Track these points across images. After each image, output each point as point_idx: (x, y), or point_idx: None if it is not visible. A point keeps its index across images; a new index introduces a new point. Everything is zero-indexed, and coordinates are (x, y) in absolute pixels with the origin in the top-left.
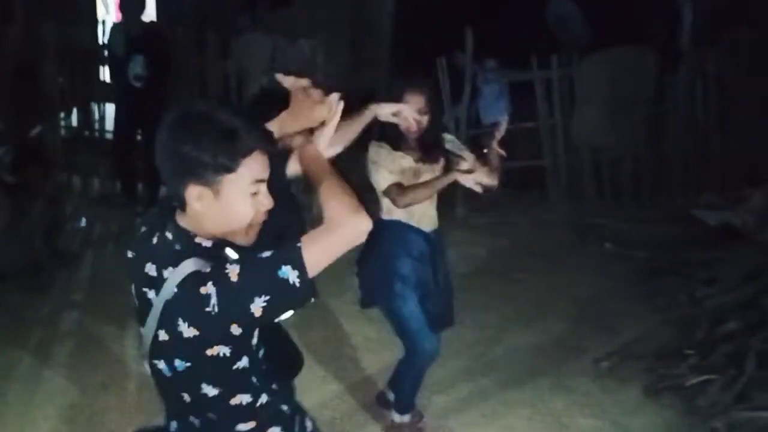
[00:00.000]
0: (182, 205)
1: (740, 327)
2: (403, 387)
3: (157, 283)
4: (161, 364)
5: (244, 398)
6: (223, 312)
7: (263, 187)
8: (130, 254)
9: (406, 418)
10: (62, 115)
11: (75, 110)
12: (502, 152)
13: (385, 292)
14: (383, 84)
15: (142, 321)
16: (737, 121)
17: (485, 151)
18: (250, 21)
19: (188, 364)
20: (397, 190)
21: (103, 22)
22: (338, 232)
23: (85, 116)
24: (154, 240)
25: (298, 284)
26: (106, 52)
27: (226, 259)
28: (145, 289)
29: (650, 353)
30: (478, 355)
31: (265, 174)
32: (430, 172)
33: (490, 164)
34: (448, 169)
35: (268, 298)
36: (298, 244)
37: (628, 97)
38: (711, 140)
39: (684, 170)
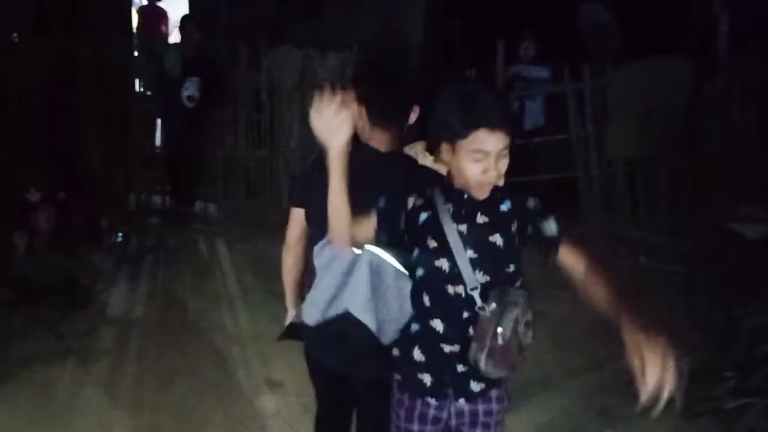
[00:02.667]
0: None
1: None
2: None
3: None
4: None
5: None
6: None
7: (489, 158)
8: None
9: None
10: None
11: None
12: None
13: None
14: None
15: None
16: None
17: None
18: (271, 34)
19: None
20: None
21: (139, 36)
22: None
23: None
24: None
25: None
26: (144, 70)
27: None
28: None
29: (688, 374)
30: (513, 380)
31: (489, 147)
32: None
33: None
34: None
35: None
36: None
37: (662, 108)
38: (749, 150)
39: (721, 182)
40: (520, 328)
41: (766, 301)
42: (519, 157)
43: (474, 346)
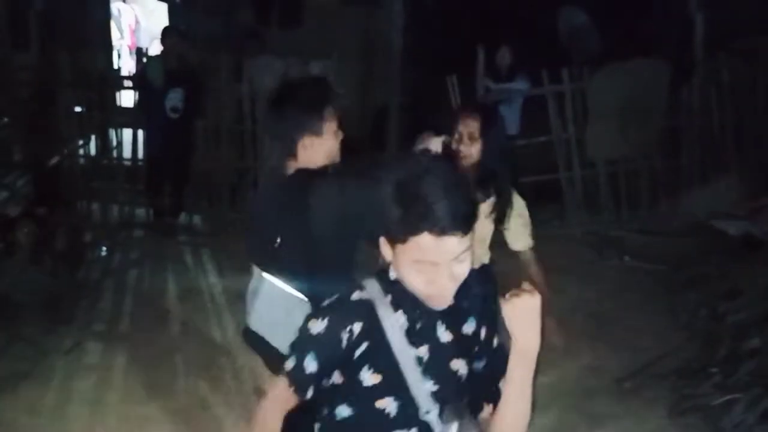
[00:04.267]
0: None
1: (764, 343)
2: None
3: None
4: None
5: None
6: None
7: (437, 268)
8: None
9: None
10: (80, 142)
11: (93, 137)
12: None
13: None
14: (395, 102)
15: None
16: (753, 129)
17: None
18: (259, 44)
19: None
20: None
21: (119, 48)
22: None
23: (103, 143)
24: None
25: None
26: (132, 82)
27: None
28: None
29: (673, 372)
30: None
31: (436, 257)
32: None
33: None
34: (498, 210)
35: None
36: None
37: (642, 109)
38: (727, 149)
39: (701, 180)
40: None
41: (749, 297)
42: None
43: None
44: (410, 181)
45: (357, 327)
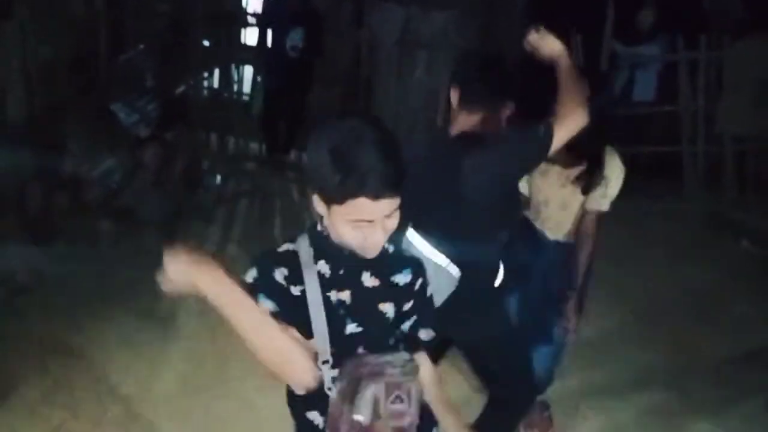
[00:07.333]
0: None
1: None
2: None
3: None
4: None
5: None
6: None
7: (373, 226)
8: None
9: None
10: (205, 74)
11: (216, 71)
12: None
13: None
14: (513, 58)
15: None
16: None
17: None
18: None
19: None
20: None
21: None
22: None
23: (226, 77)
24: None
25: None
26: (256, 20)
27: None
28: None
29: None
30: (590, 348)
31: (373, 216)
32: (558, 175)
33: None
34: (586, 177)
35: None
36: None
37: None
38: None
39: None
40: (390, 406)
41: None
42: (623, 127)
43: None
44: (346, 146)
45: (284, 271)
